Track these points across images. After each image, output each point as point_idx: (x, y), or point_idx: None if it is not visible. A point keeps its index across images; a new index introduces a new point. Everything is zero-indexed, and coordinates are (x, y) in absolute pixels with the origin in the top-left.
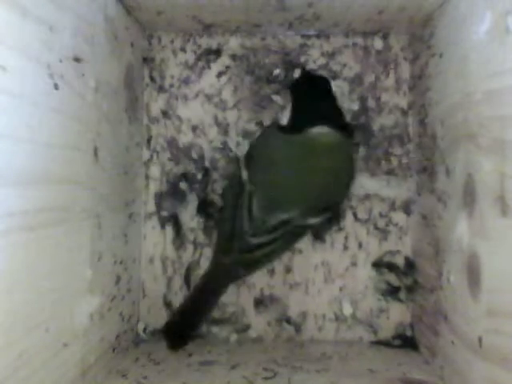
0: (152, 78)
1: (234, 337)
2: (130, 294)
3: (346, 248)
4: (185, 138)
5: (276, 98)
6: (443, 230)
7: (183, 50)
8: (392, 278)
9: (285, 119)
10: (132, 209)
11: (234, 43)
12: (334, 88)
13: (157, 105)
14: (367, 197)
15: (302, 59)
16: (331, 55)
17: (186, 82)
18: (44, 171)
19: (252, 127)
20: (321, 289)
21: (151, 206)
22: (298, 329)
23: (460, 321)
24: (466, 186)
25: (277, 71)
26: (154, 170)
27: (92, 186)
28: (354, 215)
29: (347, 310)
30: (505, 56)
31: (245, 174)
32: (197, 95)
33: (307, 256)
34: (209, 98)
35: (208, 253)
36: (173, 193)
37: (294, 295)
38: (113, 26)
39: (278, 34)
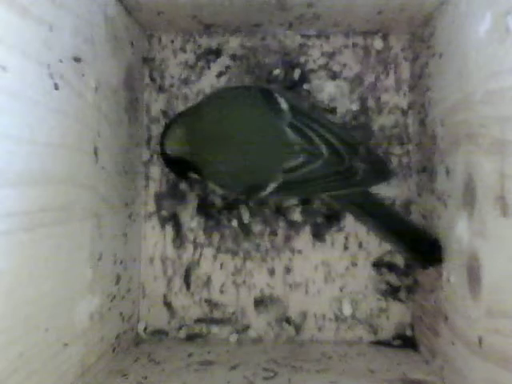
0: (152, 78)
1: (234, 337)
2: (130, 293)
3: (345, 248)
4: None
5: None
6: (443, 230)
7: (183, 49)
8: (392, 278)
9: None
10: (132, 209)
11: (234, 43)
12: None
13: (157, 105)
14: None
15: (302, 59)
16: (331, 55)
17: (185, 82)
18: (44, 171)
19: None
20: (321, 289)
21: (151, 206)
22: (298, 329)
23: (460, 321)
24: (466, 186)
25: (277, 71)
26: (154, 170)
27: (92, 186)
28: None
29: (347, 310)
30: (505, 56)
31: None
32: (197, 95)
33: (307, 256)
34: None
35: (208, 253)
36: (173, 193)
37: (294, 295)
38: (113, 25)
39: (278, 34)
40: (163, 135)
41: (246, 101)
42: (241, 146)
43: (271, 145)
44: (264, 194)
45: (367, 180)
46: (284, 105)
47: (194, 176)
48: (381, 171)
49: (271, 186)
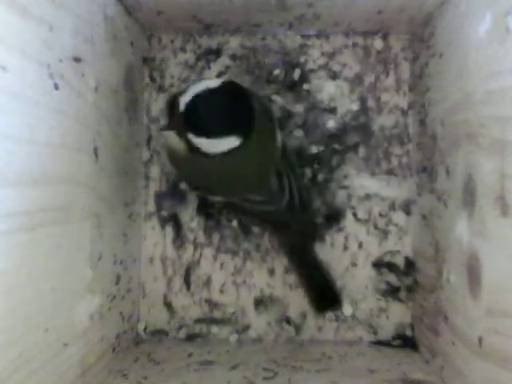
0: (152, 78)
1: (234, 337)
2: (130, 293)
3: (345, 248)
4: None
5: (276, 97)
6: (443, 230)
7: (183, 49)
8: (392, 278)
9: None
10: (132, 209)
11: (234, 43)
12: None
13: (157, 105)
14: (367, 197)
15: (302, 59)
16: (331, 55)
17: (185, 82)
18: (44, 171)
19: None
20: None
21: (151, 206)
22: (297, 329)
23: (460, 321)
24: (466, 186)
25: (277, 71)
26: (154, 170)
27: (92, 186)
28: (354, 215)
29: (347, 310)
30: (505, 56)
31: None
32: None
33: None
34: None
35: (208, 253)
36: (173, 193)
37: (294, 295)
38: (113, 25)
39: (278, 33)
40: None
41: None
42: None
43: (250, 172)
44: (211, 197)
45: (294, 242)
46: (279, 139)
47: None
48: (307, 242)
49: (223, 198)
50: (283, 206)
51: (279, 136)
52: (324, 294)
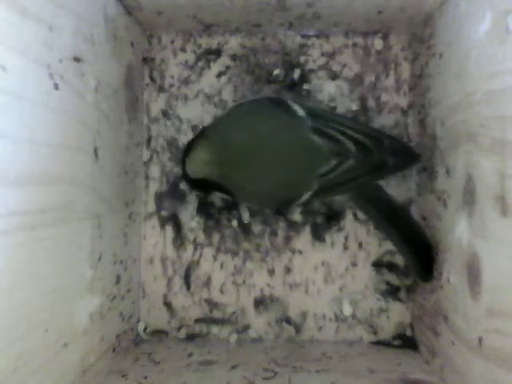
0: (152, 78)
1: (233, 337)
2: (130, 293)
3: (345, 248)
4: (185, 138)
5: None
6: (443, 230)
7: (183, 50)
8: (392, 278)
9: None
10: (132, 209)
11: (234, 43)
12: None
13: (157, 105)
14: None
15: (302, 59)
16: (331, 55)
17: (186, 82)
18: (44, 171)
19: None
20: (321, 289)
21: (151, 206)
22: (298, 329)
23: (460, 321)
24: (465, 185)
25: (277, 71)
26: (154, 170)
27: (92, 186)
28: (354, 215)
29: (347, 310)
30: (505, 56)
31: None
32: (197, 95)
33: (307, 256)
34: (209, 97)
35: (208, 253)
36: (173, 193)
37: (294, 295)
38: (113, 26)
39: (278, 34)
40: (184, 158)
41: (262, 116)
42: (270, 162)
43: (300, 155)
44: (298, 202)
45: (397, 169)
46: (300, 111)
47: (223, 196)
48: (408, 158)
49: (306, 195)
50: (354, 152)
51: (297, 107)
52: (426, 256)
